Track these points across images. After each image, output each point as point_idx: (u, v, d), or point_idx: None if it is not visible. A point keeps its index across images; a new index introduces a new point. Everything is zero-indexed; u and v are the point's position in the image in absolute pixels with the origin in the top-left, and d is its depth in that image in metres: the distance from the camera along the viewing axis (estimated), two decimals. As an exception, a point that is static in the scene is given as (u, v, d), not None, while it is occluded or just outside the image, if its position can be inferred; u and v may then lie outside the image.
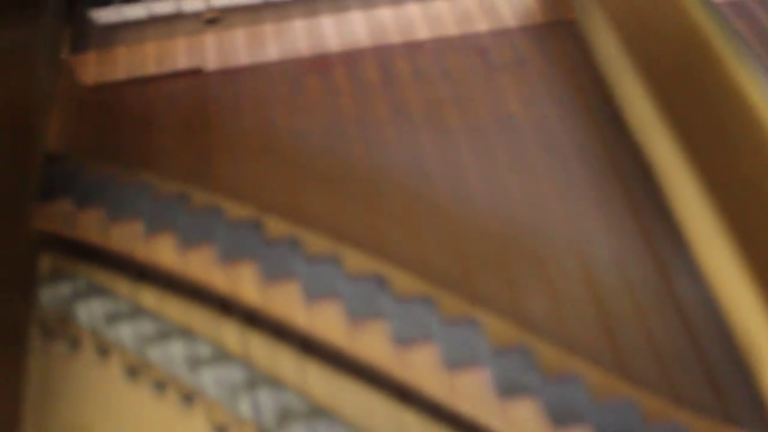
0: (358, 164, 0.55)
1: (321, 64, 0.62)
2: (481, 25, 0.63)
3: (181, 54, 0.60)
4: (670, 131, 0.48)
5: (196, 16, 0.62)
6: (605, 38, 0.55)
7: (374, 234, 0.51)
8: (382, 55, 0.62)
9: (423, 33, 0.63)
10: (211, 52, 0.60)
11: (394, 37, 0.63)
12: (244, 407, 0.44)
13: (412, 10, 0.64)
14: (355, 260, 0.49)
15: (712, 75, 0.45)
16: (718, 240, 0.45)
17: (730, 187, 0.45)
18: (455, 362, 0.45)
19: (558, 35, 0.63)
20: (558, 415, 0.43)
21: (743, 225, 0.44)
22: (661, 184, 0.51)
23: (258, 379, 0.45)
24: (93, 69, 0.59)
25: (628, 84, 0.52)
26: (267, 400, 0.44)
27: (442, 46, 0.63)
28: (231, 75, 0.61)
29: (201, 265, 0.49)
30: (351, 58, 0.62)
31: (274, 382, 0.45)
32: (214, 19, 0.61)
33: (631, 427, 0.43)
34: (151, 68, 0.59)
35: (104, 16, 0.61)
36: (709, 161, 0.47)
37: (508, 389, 0.44)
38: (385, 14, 0.63)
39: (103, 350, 0.47)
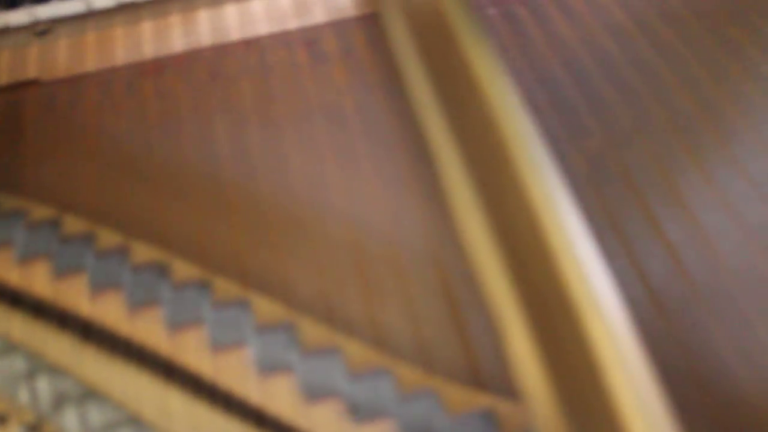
0: (179, 162, 0.58)
1: (154, 67, 0.65)
2: (318, 17, 0.66)
3: (6, 67, 0.63)
4: (436, 115, 0.51)
5: (26, 29, 0.65)
6: (392, 26, 0.57)
7: (189, 227, 0.54)
8: (214, 54, 0.65)
9: (262, 28, 0.65)
10: (40, 62, 0.63)
11: (235, 35, 0.65)
12: (23, 395, 0.47)
13: (255, 5, 0.66)
14: (143, 252, 0.51)
15: (460, 64, 0.47)
16: (473, 214, 0.47)
17: (482, 164, 0.47)
18: (221, 342, 0.47)
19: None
20: (313, 389, 0.46)
21: (493, 204, 0.46)
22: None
23: (38, 367, 0.48)
24: None
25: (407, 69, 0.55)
26: (45, 386, 0.47)
27: (275, 41, 0.65)
28: (66, 83, 0.64)
29: (-1, 265, 0.52)
30: (183, 59, 0.65)
31: (53, 369, 0.47)
32: (44, 31, 0.64)
33: (383, 396, 0.45)
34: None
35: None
36: (467, 142, 0.49)
37: (268, 366, 0.47)
38: (229, 11, 0.66)
39: None
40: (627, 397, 0.34)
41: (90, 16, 0.65)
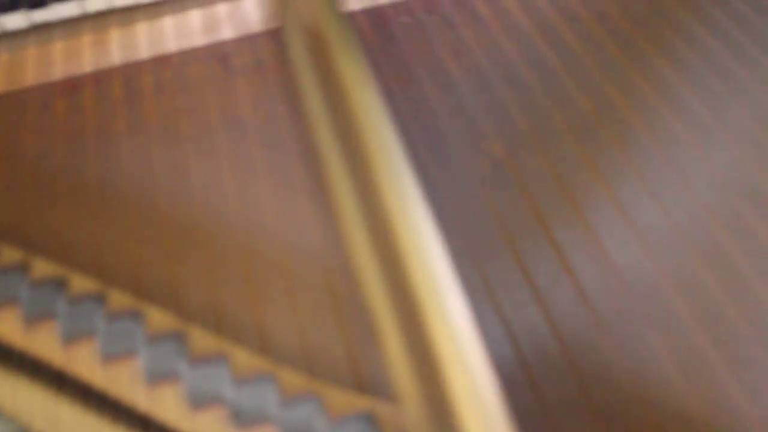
0: (92, 179, 0.59)
1: (70, 85, 0.66)
2: (228, 33, 0.67)
3: None
4: (324, 125, 0.52)
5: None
6: (290, 41, 0.59)
7: (94, 242, 0.55)
8: (130, 71, 0.66)
9: (172, 45, 0.67)
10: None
11: (146, 52, 0.67)
12: None
13: (166, 23, 0.68)
14: (43, 267, 0.53)
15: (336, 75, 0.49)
16: (355, 223, 0.49)
17: (356, 173, 0.49)
18: (112, 353, 0.49)
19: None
20: (199, 396, 0.47)
21: (367, 214, 0.48)
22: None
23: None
24: None
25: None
26: (-60, 401, 0.48)
27: (186, 57, 0.67)
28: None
29: None
30: (98, 77, 0.66)
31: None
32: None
33: (266, 402, 0.47)
34: None
35: None
36: (346, 152, 0.50)
37: (157, 374, 0.48)
38: (140, 29, 0.67)
39: None
40: (465, 399, 0.35)
41: (3, 37, 0.66)
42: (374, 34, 0.67)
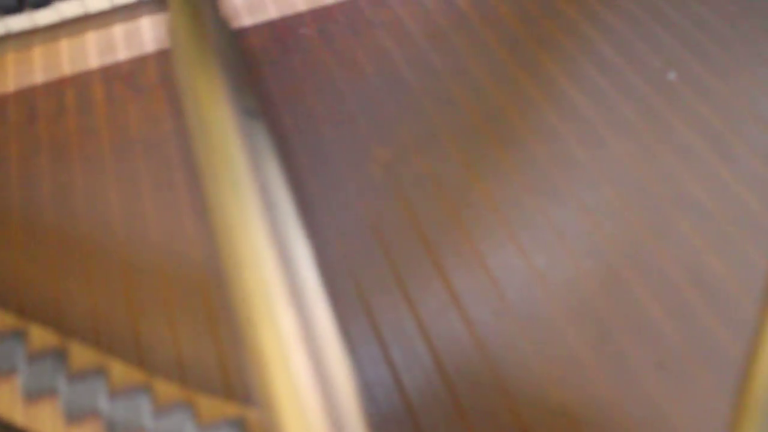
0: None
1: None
2: (124, 54, 0.69)
3: None
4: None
5: None
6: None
7: None
8: (27, 96, 0.68)
9: (69, 68, 0.68)
10: None
11: (43, 76, 0.68)
12: None
13: (62, 46, 0.69)
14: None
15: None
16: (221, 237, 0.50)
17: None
18: (-8, 373, 0.50)
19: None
20: (76, 411, 0.48)
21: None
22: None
23: None
24: None
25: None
26: None
27: (83, 79, 0.68)
28: None
29: None
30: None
31: None
32: None
33: (140, 412, 0.48)
34: None
35: None
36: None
37: (35, 392, 0.49)
38: (37, 53, 0.69)
39: None
40: (289, 414, 0.37)
41: None
42: (269, 49, 0.69)
